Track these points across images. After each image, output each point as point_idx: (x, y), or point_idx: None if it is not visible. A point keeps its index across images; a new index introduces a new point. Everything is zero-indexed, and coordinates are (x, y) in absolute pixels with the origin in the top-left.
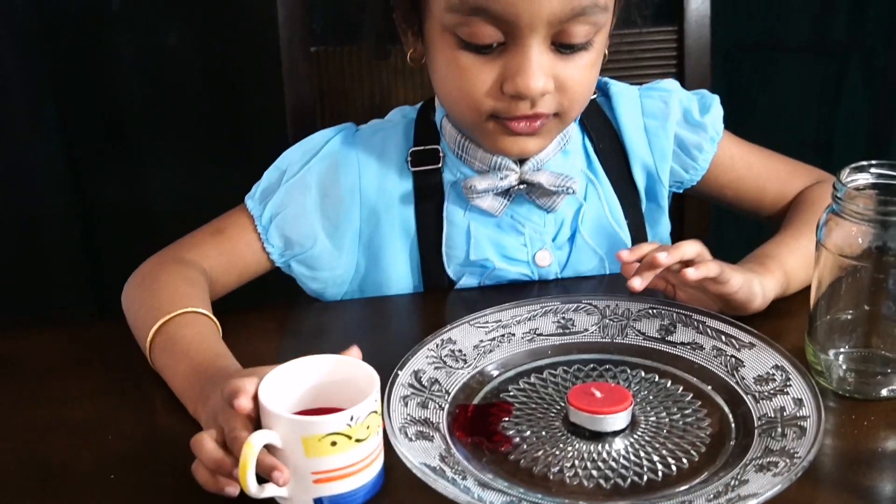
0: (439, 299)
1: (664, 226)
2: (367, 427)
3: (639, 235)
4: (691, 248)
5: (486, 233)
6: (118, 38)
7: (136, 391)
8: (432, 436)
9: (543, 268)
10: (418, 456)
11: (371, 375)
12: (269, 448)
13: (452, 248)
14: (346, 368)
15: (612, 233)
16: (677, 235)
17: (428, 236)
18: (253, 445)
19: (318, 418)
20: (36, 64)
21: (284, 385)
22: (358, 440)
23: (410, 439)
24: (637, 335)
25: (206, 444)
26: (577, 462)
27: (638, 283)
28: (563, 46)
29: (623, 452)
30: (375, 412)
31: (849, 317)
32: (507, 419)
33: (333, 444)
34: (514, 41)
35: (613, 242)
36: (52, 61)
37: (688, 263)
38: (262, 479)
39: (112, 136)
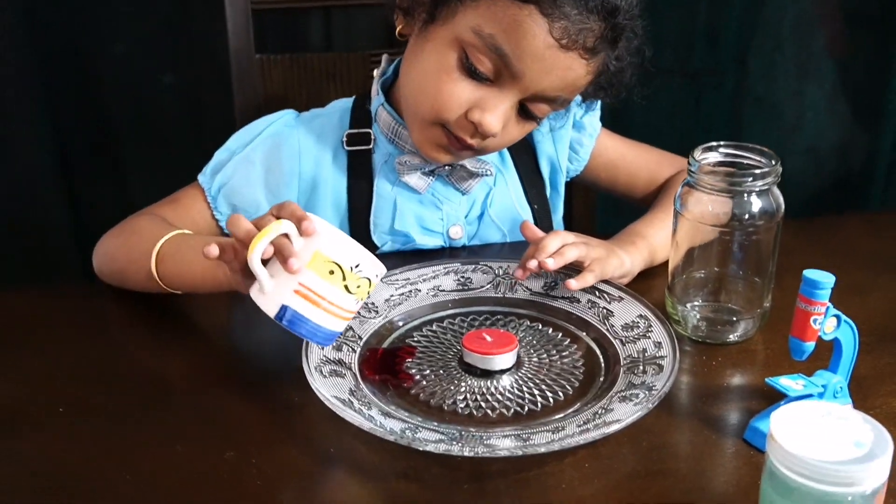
0: None
1: (561, 209)
2: (359, 286)
3: (543, 216)
4: (572, 252)
5: (410, 207)
6: (109, 63)
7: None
8: (344, 374)
9: (455, 240)
10: (331, 390)
11: (381, 265)
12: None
13: (379, 218)
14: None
15: (514, 214)
16: (567, 217)
17: (358, 207)
18: (282, 223)
19: (340, 238)
20: (32, 76)
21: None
22: (347, 287)
23: (325, 376)
24: (525, 291)
25: (243, 221)
26: (468, 396)
27: (521, 274)
28: (524, 111)
29: (509, 388)
30: (370, 283)
31: (702, 275)
32: (410, 360)
33: (332, 272)
34: (501, 86)
35: (515, 221)
36: (46, 75)
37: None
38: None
39: (101, 139)
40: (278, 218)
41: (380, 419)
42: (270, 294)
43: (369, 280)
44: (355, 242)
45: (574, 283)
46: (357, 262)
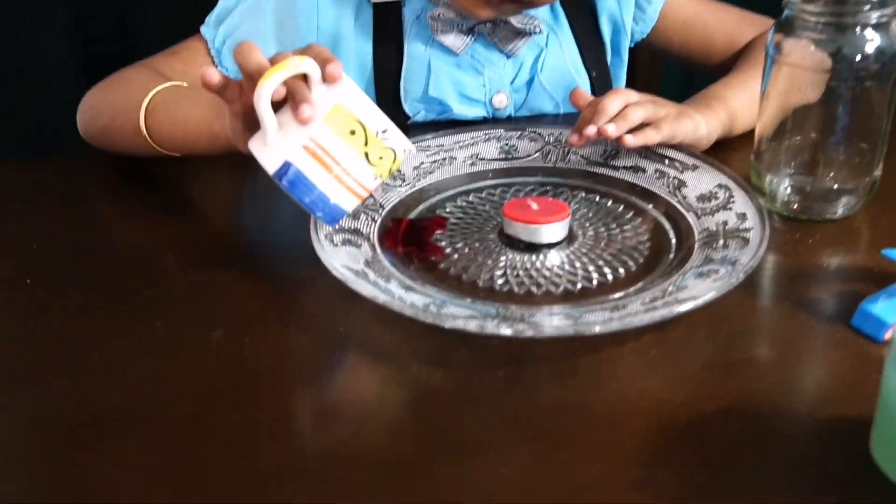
0: None
1: (623, 78)
2: (381, 158)
3: (602, 85)
4: (636, 114)
5: (447, 71)
6: None
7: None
8: (360, 243)
9: (500, 110)
10: (342, 260)
11: (409, 142)
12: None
13: (411, 83)
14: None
15: (569, 81)
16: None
17: (386, 70)
18: (303, 59)
19: (367, 99)
20: None
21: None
22: (367, 155)
23: (336, 245)
24: (580, 160)
25: (256, 52)
26: (508, 271)
27: (576, 140)
28: None
29: (558, 264)
30: (395, 157)
31: (797, 140)
32: (440, 232)
33: (353, 132)
34: None
35: (570, 89)
36: None
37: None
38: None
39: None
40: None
41: (399, 293)
42: (273, 145)
43: (394, 153)
44: (381, 112)
45: (631, 140)
46: (384, 126)
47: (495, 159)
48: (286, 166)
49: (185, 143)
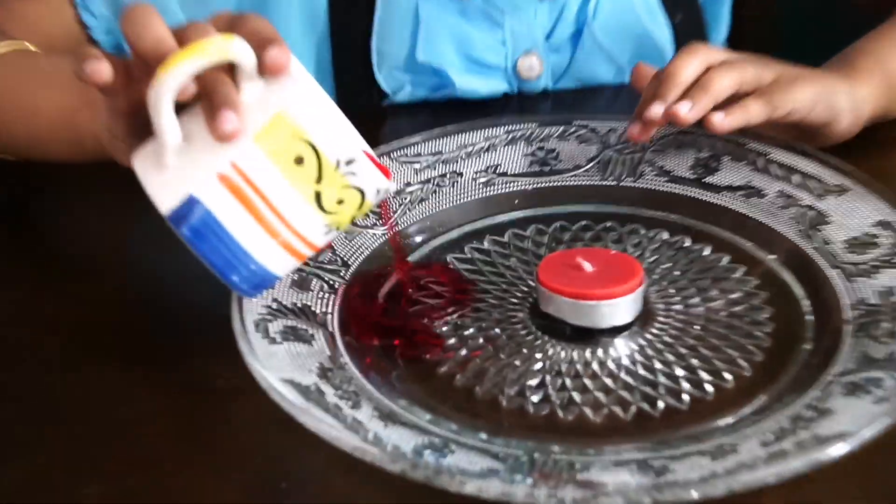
0: (360, 120)
1: (723, 28)
2: (341, 202)
3: (690, 34)
4: (722, 81)
5: (446, 21)
6: None
7: None
8: (311, 335)
9: (529, 80)
10: (282, 367)
11: (386, 177)
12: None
13: (388, 42)
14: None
15: (640, 31)
16: (735, 41)
17: (347, 21)
18: (231, 41)
19: (329, 106)
20: None
21: None
22: (318, 196)
23: (273, 340)
24: (658, 175)
25: (157, 22)
26: (549, 379)
27: (636, 132)
28: None
29: (627, 363)
30: (362, 200)
31: None
32: (439, 311)
33: (299, 160)
34: None
35: (640, 46)
36: None
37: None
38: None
39: None
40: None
41: (375, 428)
42: (173, 170)
43: (362, 195)
44: (351, 126)
45: (722, 120)
46: (351, 154)
47: (524, 175)
48: (190, 204)
49: (31, 143)
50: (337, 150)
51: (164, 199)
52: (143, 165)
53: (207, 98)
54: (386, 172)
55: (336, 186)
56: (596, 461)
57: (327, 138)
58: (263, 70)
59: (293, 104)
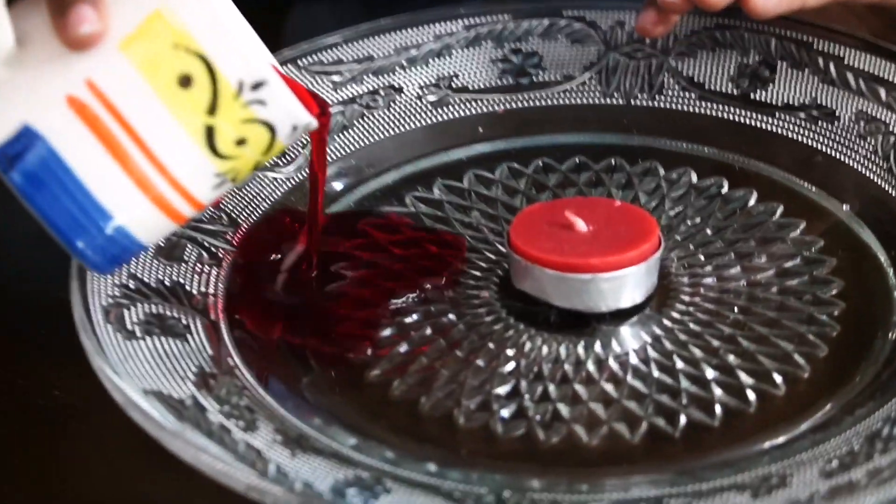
0: (252, 11)
1: None
2: (241, 142)
3: None
4: None
5: None
6: None
7: None
8: (185, 326)
9: None
10: (144, 373)
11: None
12: None
13: None
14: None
15: None
16: None
17: None
18: None
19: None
20: None
21: None
22: (209, 132)
23: (132, 334)
24: (685, 90)
25: None
26: (525, 385)
27: (649, 22)
28: None
29: (635, 361)
30: (272, 141)
31: None
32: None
33: (184, 81)
34: None
35: None
36: None
37: None
38: None
39: None
40: None
41: (278, 456)
42: (3, 87)
43: (272, 133)
44: (257, 37)
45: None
46: (261, 75)
47: (491, 90)
48: (24, 138)
49: None
50: (240, 67)
51: None
52: None
53: None
54: (307, 100)
55: (235, 120)
56: (592, 501)
57: (227, 50)
58: None
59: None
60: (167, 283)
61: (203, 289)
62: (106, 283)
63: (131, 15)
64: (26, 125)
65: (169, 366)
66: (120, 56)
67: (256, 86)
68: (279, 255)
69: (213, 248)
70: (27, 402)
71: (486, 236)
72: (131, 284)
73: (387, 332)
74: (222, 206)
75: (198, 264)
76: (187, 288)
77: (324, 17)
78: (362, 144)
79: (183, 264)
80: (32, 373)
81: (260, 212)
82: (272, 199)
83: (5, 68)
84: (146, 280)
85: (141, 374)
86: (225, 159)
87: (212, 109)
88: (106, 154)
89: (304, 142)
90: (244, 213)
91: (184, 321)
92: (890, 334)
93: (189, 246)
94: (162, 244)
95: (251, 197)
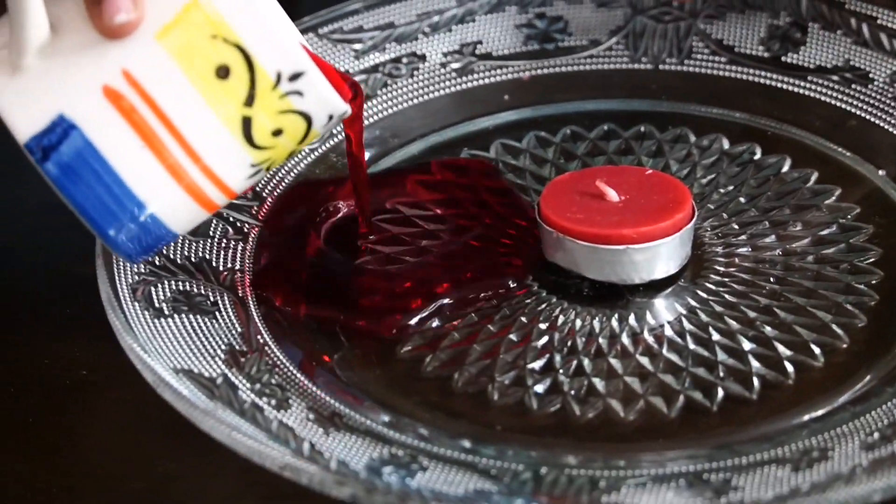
0: None
1: None
2: (278, 132)
3: None
4: None
5: None
6: None
7: None
8: (214, 303)
9: None
10: (174, 352)
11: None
12: None
13: None
14: None
15: None
16: None
17: None
18: None
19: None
20: None
21: None
22: (246, 124)
23: (160, 312)
24: (715, 53)
25: None
26: (558, 360)
27: None
28: None
29: (670, 333)
30: (307, 132)
31: None
32: (398, 259)
33: (222, 72)
34: None
35: None
36: None
37: None
38: None
39: None
40: None
41: (311, 434)
42: (36, 78)
43: (308, 123)
44: (293, 25)
45: None
46: (299, 65)
47: (517, 56)
48: (59, 128)
49: None
50: (278, 58)
51: (22, 118)
52: None
53: None
54: (340, 85)
55: (272, 111)
56: (628, 477)
57: (265, 41)
58: None
59: None
60: (193, 259)
61: (230, 265)
62: (131, 272)
63: (168, 4)
64: (61, 115)
65: (199, 343)
66: (157, 46)
67: (294, 77)
68: (322, 215)
69: (238, 223)
70: (54, 380)
71: (516, 207)
72: (157, 261)
73: (418, 307)
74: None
75: (223, 240)
76: (214, 264)
77: None
78: (386, 114)
79: (209, 240)
80: (59, 351)
81: (284, 185)
82: (296, 172)
83: (40, 57)
84: (172, 257)
85: (170, 352)
86: (261, 150)
87: (249, 101)
88: (141, 144)
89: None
90: (268, 187)
91: (212, 298)
92: None
93: (214, 221)
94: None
95: (275, 171)
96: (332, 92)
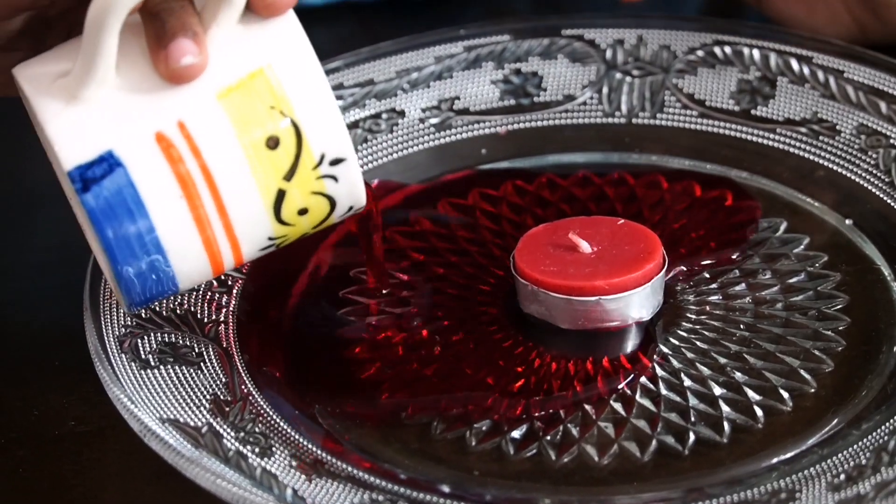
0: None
1: None
2: (303, 211)
3: None
4: None
5: None
6: None
7: None
8: (199, 354)
9: None
10: (160, 402)
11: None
12: None
13: None
14: None
15: None
16: None
17: None
18: None
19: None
20: None
21: None
22: (279, 197)
23: (146, 363)
24: (687, 107)
25: None
26: (531, 405)
27: None
28: None
29: (643, 379)
30: (327, 216)
31: None
32: (374, 308)
33: (272, 143)
34: None
35: None
36: None
37: None
38: None
39: None
40: None
41: (293, 481)
42: (93, 112)
43: (331, 208)
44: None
45: None
46: (343, 152)
47: (494, 111)
48: (106, 163)
49: None
50: (326, 141)
51: (71, 146)
52: (47, 91)
53: (156, 20)
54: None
55: (306, 190)
56: None
57: (318, 122)
58: (256, 5)
59: (287, 61)
60: (179, 311)
61: (214, 317)
62: (119, 313)
63: (235, 67)
64: (111, 151)
65: (184, 394)
66: (216, 105)
67: (335, 161)
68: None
69: (223, 276)
70: (43, 431)
71: (493, 255)
72: (144, 314)
73: (398, 351)
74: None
75: (208, 292)
76: (199, 316)
77: (323, 37)
78: (366, 167)
79: (194, 293)
80: (47, 402)
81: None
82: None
83: (100, 91)
84: (158, 310)
85: (157, 402)
86: (283, 225)
87: (289, 175)
88: (179, 193)
89: None
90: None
91: (196, 349)
92: (895, 347)
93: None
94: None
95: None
96: (361, 183)
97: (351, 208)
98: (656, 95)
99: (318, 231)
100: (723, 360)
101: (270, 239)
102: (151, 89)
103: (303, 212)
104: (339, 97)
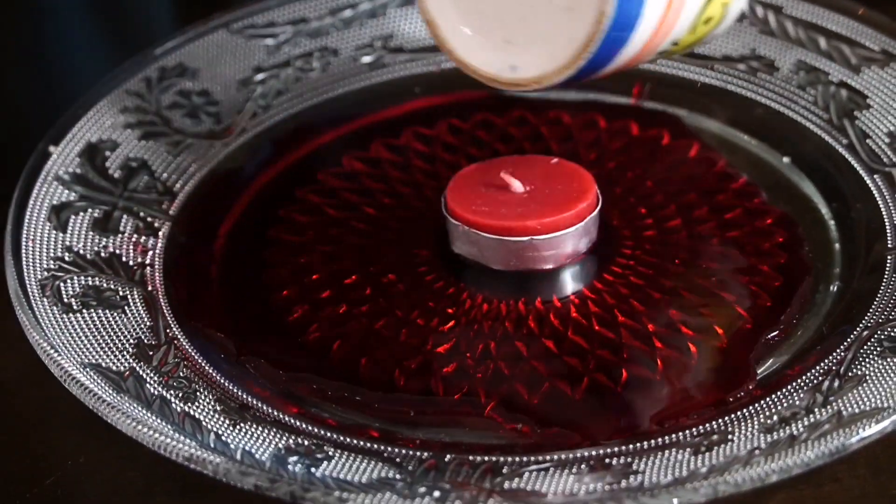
0: None
1: None
2: (707, 20)
3: None
4: None
5: None
6: None
7: None
8: (123, 297)
9: None
10: (83, 347)
11: None
12: None
13: None
14: None
15: None
16: None
17: None
18: None
19: None
20: None
21: None
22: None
23: (69, 307)
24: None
25: None
26: (461, 343)
27: None
28: None
29: (577, 315)
30: (718, 23)
31: None
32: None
33: None
34: None
35: None
36: None
37: None
38: None
39: None
40: None
41: (218, 426)
42: None
43: (721, 19)
44: None
45: None
46: None
47: (427, 49)
48: None
49: None
50: None
51: None
52: None
53: None
54: None
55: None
56: (531, 462)
57: None
58: None
59: None
60: (103, 254)
61: (140, 259)
62: (41, 256)
63: None
64: None
65: (107, 338)
66: None
67: None
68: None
69: (149, 219)
70: None
71: (426, 196)
72: (67, 257)
73: (325, 293)
74: (156, 175)
75: (134, 235)
76: (123, 259)
77: None
78: (298, 108)
79: (119, 235)
80: None
81: (195, 179)
82: (207, 167)
83: None
84: (82, 252)
85: (79, 347)
86: (690, 32)
87: None
88: None
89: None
90: (179, 181)
91: (121, 293)
92: (831, 287)
93: (124, 217)
94: (97, 215)
95: (186, 165)
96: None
97: (741, 9)
98: None
99: (681, 51)
100: (657, 297)
101: (674, 44)
102: None
103: (707, 20)
104: (270, 35)
